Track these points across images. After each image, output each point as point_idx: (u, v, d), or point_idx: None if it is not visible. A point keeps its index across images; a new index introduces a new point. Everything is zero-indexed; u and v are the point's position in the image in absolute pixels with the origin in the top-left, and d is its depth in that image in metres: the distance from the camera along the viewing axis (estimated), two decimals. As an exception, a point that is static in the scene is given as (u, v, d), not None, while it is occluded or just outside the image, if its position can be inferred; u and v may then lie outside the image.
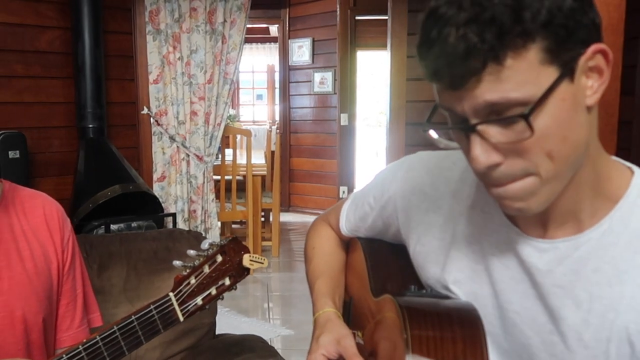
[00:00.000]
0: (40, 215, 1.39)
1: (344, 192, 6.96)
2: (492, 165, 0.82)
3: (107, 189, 3.70)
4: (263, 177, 5.67)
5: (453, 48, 0.76)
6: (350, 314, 1.28)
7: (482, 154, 0.81)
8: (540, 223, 0.93)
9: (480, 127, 0.80)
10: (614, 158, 0.94)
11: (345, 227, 1.32)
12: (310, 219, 6.80)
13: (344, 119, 6.96)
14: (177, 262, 1.29)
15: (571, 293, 0.90)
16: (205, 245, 1.31)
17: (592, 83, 0.82)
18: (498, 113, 0.79)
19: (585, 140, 0.84)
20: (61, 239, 1.40)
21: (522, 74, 0.76)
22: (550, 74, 0.77)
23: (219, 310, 2.01)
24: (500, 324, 0.99)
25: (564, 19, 0.76)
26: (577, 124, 0.82)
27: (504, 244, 0.97)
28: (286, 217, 7.13)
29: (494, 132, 0.80)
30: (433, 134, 0.88)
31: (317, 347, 1.10)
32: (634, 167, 0.93)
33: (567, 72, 0.78)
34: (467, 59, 0.76)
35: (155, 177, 4.50)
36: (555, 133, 0.79)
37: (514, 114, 0.77)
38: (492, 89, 0.77)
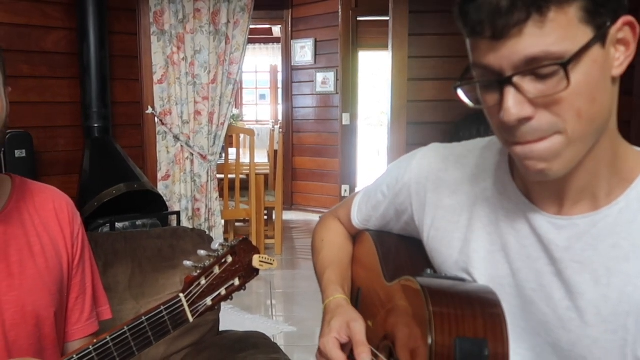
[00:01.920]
0: (51, 210, 1.39)
1: (345, 190, 6.96)
2: (523, 119, 0.83)
3: (112, 187, 3.71)
4: (266, 175, 5.70)
5: (498, 0, 0.79)
6: (359, 305, 1.28)
7: (516, 106, 0.82)
8: (557, 199, 0.95)
9: (516, 79, 0.82)
10: (626, 142, 0.96)
11: (356, 218, 1.33)
12: (312, 217, 6.85)
13: (345, 119, 6.97)
14: (187, 263, 1.29)
15: (589, 268, 0.91)
16: (215, 245, 1.31)
17: (619, 55, 0.85)
18: (532, 67, 0.81)
19: (609, 109, 0.87)
20: (71, 232, 1.40)
21: (562, 29, 0.79)
22: (587, 33, 0.80)
23: (222, 308, 2.02)
24: (518, 303, 1.00)
25: None
26: (605, 89, 0.85)
27: (521, 223, 0.99)
28: (289, 216, 7.16)
29: (529, 84, 0.82)
30: (462, 95, 0.90)
31: (329, 331, 1.11)
32: None
33: (600, 36, 0.81)
34: (512, 9, 0.78)
35: (159, 175, 4.51)
36: (586, 92, 0.82)
37: (550, 63, 0.80)
38: (533, 42, 0.79)
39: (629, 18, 0.83)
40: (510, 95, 0.83)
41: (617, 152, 0.92)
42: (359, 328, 1.09)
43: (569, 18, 0.79)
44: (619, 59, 0.85)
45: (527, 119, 0.83)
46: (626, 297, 0.89)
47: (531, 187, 0.98)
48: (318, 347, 1.11)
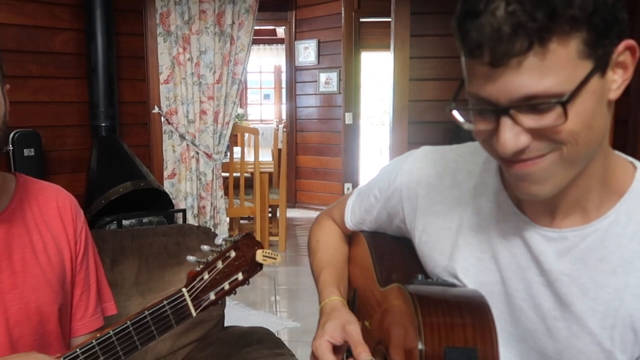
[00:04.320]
0: (54, 208, 1.39)
1: (348, 188, 6.96)
2: (519, 150, 0.81)
3: (119, 185, 3.72)
4: (270, 174, 5.72)
5: (500, 23, 0.75)
6: (356, 305, 1.28)
7: (512, 138, 0.80)
8: (548, 212, 0.94)
9: (513, 112, 0.79)
10: (616, 152, 0.96)
11: (350, 220, 1.33)
12: (315, 214, 6.85)
13: (348, 118, 6.98)
14: (190, 258, 1.30)
15: (578, 281, 0.91)
16: (219, 240, 1.31)
17: (617, 78, 0.83)
18: (530, 102, 0.78)
19: (604, 132, 0.86)
20: (74, 230, 1.40)
21: (562, 63, 0.76)
22: (586, 66, 0.77)
23: (227, 303, 2.01)
24: (507, 310, 1.00)
25: (606, 13, 0.76)
26: (600, 116, 0.83)
27: (512, 232, 0.98)
28: (292, 213, 7.19)
29: (526, 117, 0.79)
30: (457, 115, 0.87)
31: (322, 333, 1.10)
32: (636, 162, 0.95)
33: (600, 66, 0.79)
34: (514, 37, 0.74)
35: (165, 174, 4.52)
36: (584, 121, 0.79)
37: (549, 101, 0.77)
38: (532, 80, 0.76)
39: (630, 42, 0.81)
40: (507, 127, 0.80)
41: (608, 167, 0.92)
42: (355, 330, 1.08)
43: (569, 51, 0.76)
44: (617, 82, 0.83)
45: (524, 148, 0.82)
46: (613, 311, 0.89)
47: (522, 199, 0.97)
48: (311, 350, 1.12)
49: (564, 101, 0.77)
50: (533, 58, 0.75)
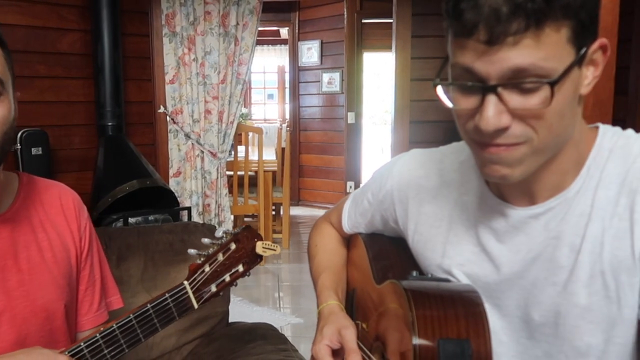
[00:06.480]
0: (57, 205, 1.39)
1: (350, 187, 6.99)
2: (500, 129, 0.83)
3: (125, 184, 3.74)
4: (274, 172, 5.76)
5: (499, 4, 0.77)
6: (354, 305, 1.30)
7: (495, 116, 0.82)
8: (528, 196, 0.97)
9: (501, 89, 0.82)
10: (588, 126, 0.99)
11: (347, 224, 1.35)
12: (318, 212, 6.88)
13: (351, 117, 7.02)
14: (192, 251, 1.31)
15: (566, 240, 0.94)
16: (219, 233, 1.32)
17: (589, 75, 0.87)
18: (519, 80, 0.81)
19: (573, 124, 0.90)
20: (78, 226, 1.41)
21: (553, 46, 0.79)
22: (571, 54, 0.81)
23: (231, 300, 1.96)
24: (506, 296, 1.02)
25: (591, 9, 0.82)
26: (572, 108, 0.86)
27: (498, 221, 1.01)
28: (296, 211, 7.21)
29: (512, 96, 0.82)
30: (440, 93, 0.89)
31: (321, 338, 1.11)
32: (599, 124, 0.99)
33: (580, 57, 0.82)
34: (512, 17, 0.77)
35: (171, 172, 4.55)
36: (560, 109, 0.82)
37: (539, 80, 0.80)
38: (525, 54, 0.78)
39: (603, 41, 0.86)
40: (492, 104, 0.82)
41: (580, 148, 0.95)
42: (350, 335, 1.09)
43: (560, 36, 0.79)
44: (588, 78, 0.87)
45: (504, 129, 0.84)
46: (597, 257, 0.92)
47: (502, 187, 1.00)
48: (311, 354, 1.14)
49: (553, 81, 0.80)
50: (528, 38, 0.78)
